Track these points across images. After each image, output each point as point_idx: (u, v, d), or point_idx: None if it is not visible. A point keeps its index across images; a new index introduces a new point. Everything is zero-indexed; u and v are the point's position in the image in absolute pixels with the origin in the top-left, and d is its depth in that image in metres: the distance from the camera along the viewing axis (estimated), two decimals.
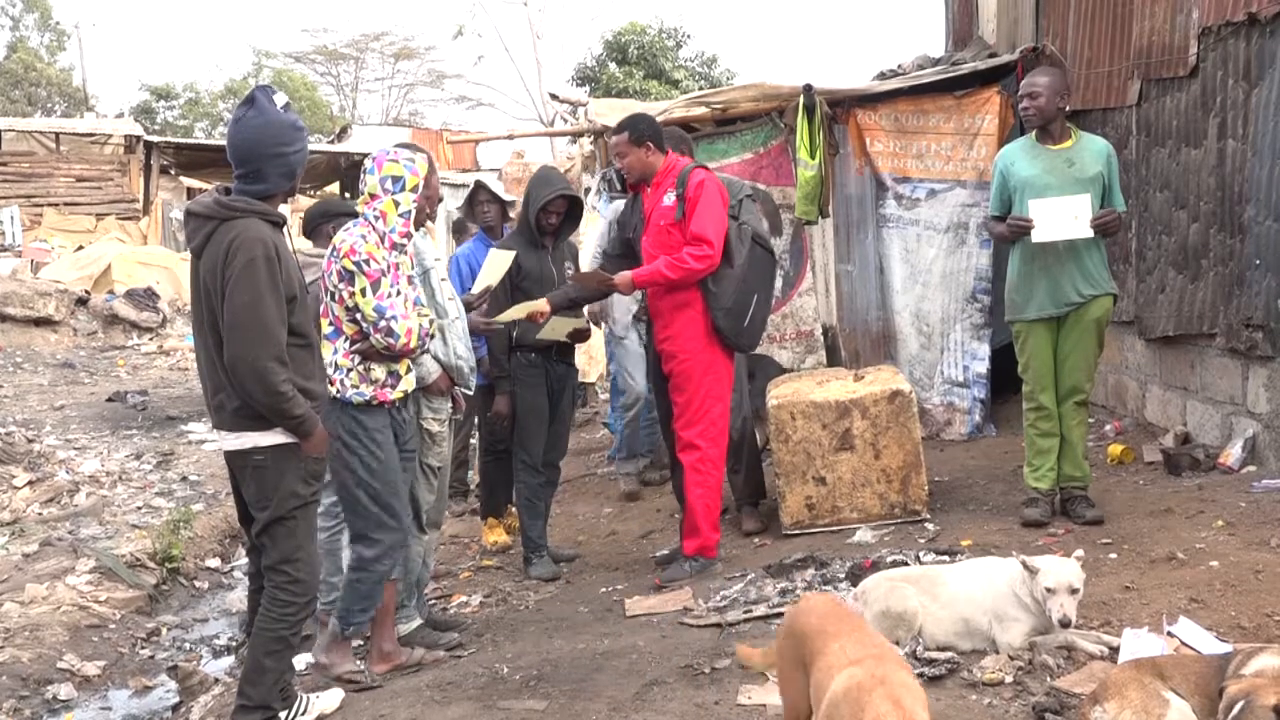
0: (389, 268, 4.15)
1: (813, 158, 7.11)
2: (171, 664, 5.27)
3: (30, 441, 9.11)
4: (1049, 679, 3.49)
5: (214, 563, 7.09)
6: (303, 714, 3.89)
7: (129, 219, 22.13)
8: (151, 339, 15.89)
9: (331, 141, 27.96)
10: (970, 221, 7.32)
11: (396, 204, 4.20)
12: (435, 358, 4.62)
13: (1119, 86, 6.48)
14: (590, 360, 9.07)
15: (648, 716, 3.62)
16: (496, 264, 5.25)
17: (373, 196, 4.22)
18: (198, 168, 24.90)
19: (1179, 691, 2.94)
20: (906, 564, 4.53)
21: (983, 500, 5.71)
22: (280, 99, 3.71)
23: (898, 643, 3.80)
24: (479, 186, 6.39)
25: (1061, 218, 4.89)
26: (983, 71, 7.49)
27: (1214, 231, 5.53)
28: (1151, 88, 6.13)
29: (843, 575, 4.63)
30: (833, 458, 5.41)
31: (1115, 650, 3.58)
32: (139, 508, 7.70)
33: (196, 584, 6.75)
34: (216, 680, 4.82)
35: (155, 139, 24.52)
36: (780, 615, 4.36)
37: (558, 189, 5.53)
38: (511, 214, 6.55)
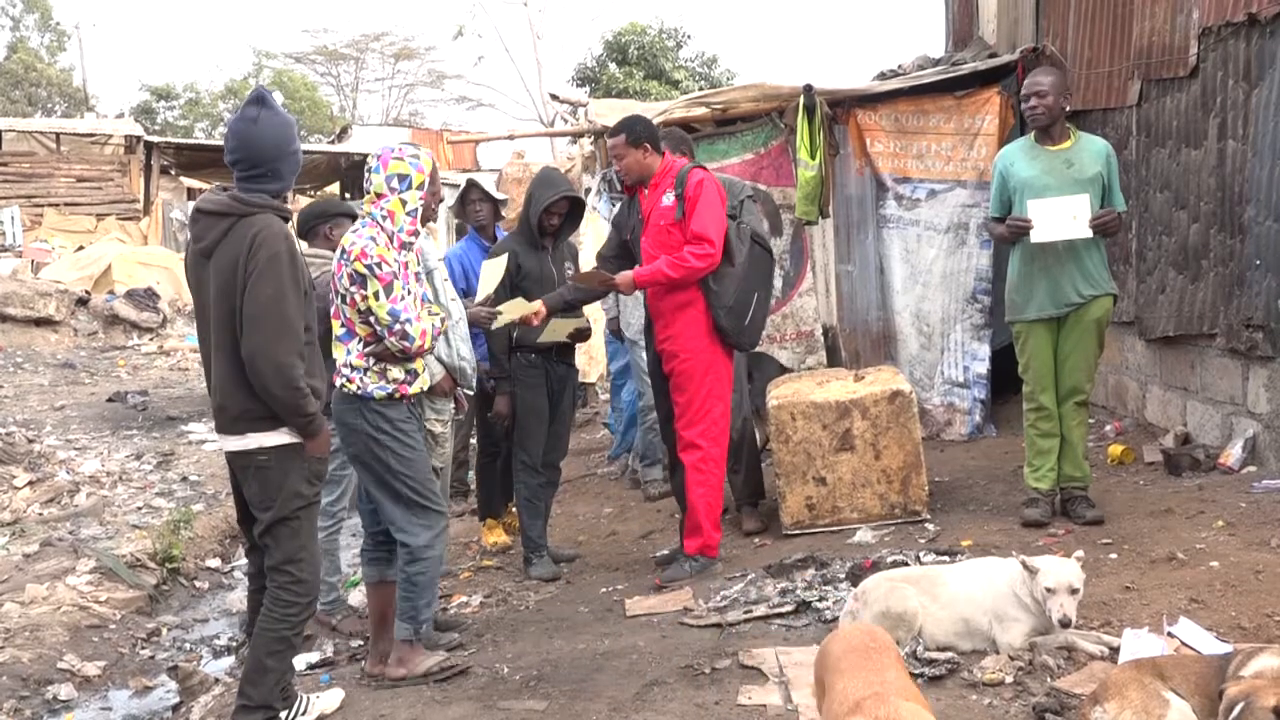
0: (400, 269, 4.15)
1: (813, 158, 7.11)
2: (172, 664, 5.27)
3: (31, 442, 9.11)
4: (1049, 679, 3.49)
5: (214, 563, 7.09)
6: (303, 714, 3.90)
7: (129, 219, 22.10)
8: (152, 339, 15.89)
9: (332, 142, 27.95)
10: (970, 222, 7.32)
11: (404, 202, 4.18)
12: (438, 358, 4.63)
13: (1119, 87, 6.48)
14: (590, 360, 9.06)
15: (648, 716, 3.62)
16: (492, 273, 5.28)
17: (379, 196, 4.19)
18: (198, 168, 24.87)
19: (1179, 692, 2.94)
20: (907, 564, 4.53)
21: (983, 500, 5.71)
22: (279, 98, 3.75)
23: (898, 643, 3.80)
24: (471, 185, 6.39)
25: (1061, 218, 4.90)
26: (983, 72, 7.49)
27: (1214, 232, 5.54)
28: (1152, 88, 6.13)
29: (843, 575, 4.64)
30: (833, 458, 5.41)
31: (1115, 650, 3.58)
32: (139, 508, 7.70)
33: (197, 584, 6.75)
34: (217, 680, 4.81)
35: (155, 139, 24.49)
36: (780, 615, 4.38)
37: (561, 190, 5.53)
38: (503, 213, 6.54)
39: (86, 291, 16.36)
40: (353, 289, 4.09)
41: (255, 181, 3.71)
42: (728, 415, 5.26)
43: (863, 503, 5.42)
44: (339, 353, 4.18)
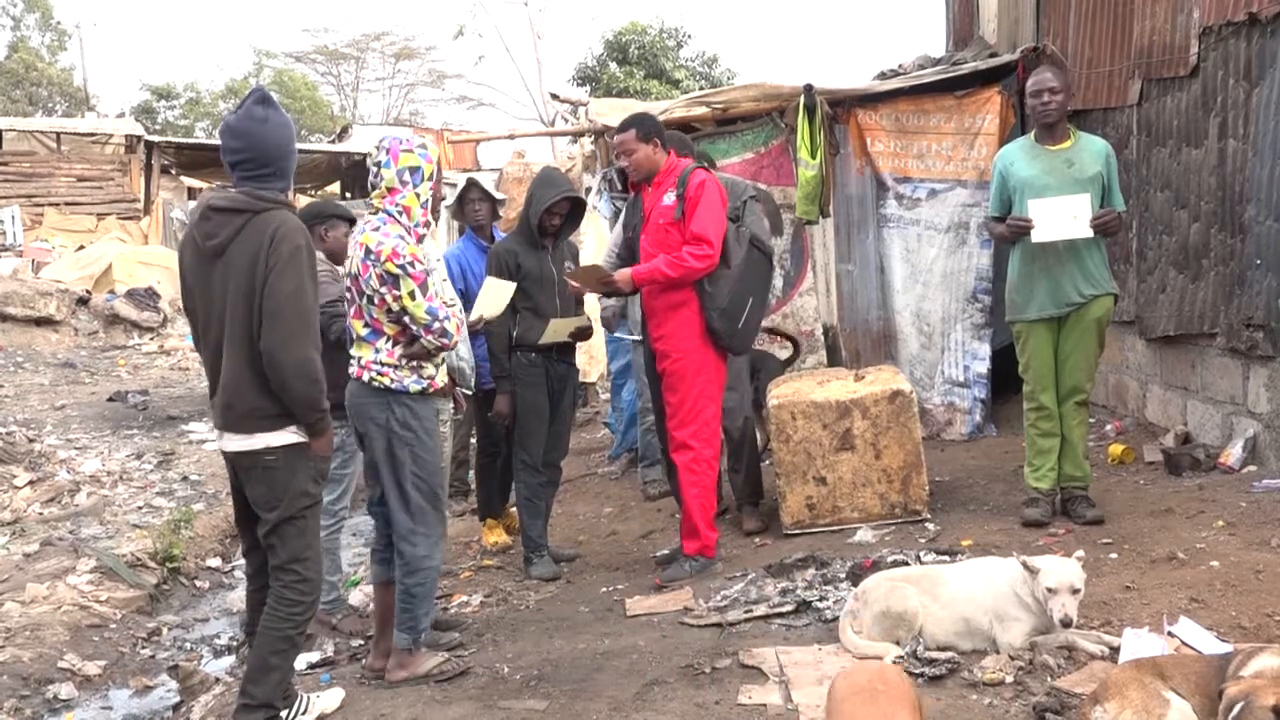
0: (430, 265, 4.16)
1: (813, 157, 7.12)
2: (172, 664, 5.27)
3: (31, 441, 9.11)
4: (1049, 679, 3.49)
5: (215, 562, 7.09)
6: (303, 713, 3.89)
7: (130, 219, 22.10)
8: (152, 339, 15.89)
9: (332, 141, 27.94)
10: (971, 221, 7.33)
11: (418, 196, 4.16)
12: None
13: (1120, 86, 6.48)
14: (590, 360, 9.07)
15: (648, 716, 3.62)
16: (495, 294, 5.22)
17: (391, 190, 4.13)
18: (198, 167, 24.88)
19: (1179, 691, 2.94)
20: (907, 564, 4.53)
21: (983, 500, 5.71)
22: (277, 97, 3.82)
23: (898, 642, 3.81)
24: (471, 184, 6.39)
25: (1061, 218, 4.90)
26: (983, 71, 7.49)
27: (1215, 231, 5.54)
28: (1152, 87, 6.13)
29: (843, 575, 4.64)
30: (833, 458, 5.41)
31: (1116, 650, 3.58)
32: (140, 507, 7.71)
33: (197, 584, 6.75)
34: (217, 680, 4.81)
35: (156, 139, 24.48)
36: (780, 615, 4.38)
37: (562, 191, 5.53)
38: (501, 212, 6.53)
39: (87, 291, 16.36)
40: (383, 290, 4.05)
41: (263, 180, 3.71)
42: (719, 416, 5.26)
43: (863, 502, 5.42)
44: (365, 352, 4.15)
